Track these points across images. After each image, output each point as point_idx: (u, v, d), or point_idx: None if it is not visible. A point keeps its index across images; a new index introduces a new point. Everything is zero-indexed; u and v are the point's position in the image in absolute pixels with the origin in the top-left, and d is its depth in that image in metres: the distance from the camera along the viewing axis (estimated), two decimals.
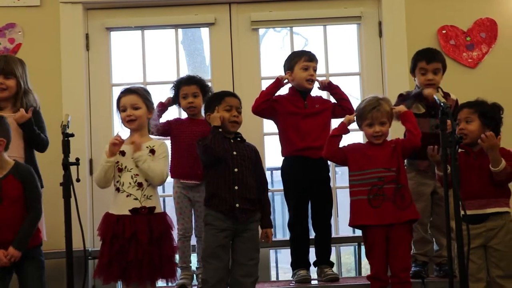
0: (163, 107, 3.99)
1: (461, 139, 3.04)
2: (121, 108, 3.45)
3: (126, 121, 3.43)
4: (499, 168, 3.32)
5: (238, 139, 3.55)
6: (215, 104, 3.52)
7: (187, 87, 3.95)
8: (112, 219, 3.31)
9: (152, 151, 3.38)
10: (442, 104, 3.07)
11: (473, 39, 4.49)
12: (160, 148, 3.41)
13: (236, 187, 3.41)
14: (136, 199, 3.32)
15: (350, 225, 3.58)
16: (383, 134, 3.52)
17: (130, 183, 3.33)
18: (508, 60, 4.47)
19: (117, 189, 3.35)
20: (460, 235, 2.93)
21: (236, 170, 3.43)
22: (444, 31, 4.50)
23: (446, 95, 3.85)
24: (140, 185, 3.33)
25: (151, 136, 3.54)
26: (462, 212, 2.93)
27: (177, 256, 3.64)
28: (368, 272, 3.55)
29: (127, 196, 3.32)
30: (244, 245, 3.44)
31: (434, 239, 3.88)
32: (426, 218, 3.83)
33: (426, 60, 3.86)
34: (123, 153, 3.36)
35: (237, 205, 3.39)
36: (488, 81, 4.41)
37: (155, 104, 3.65)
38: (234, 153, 3.46)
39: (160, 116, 3.94)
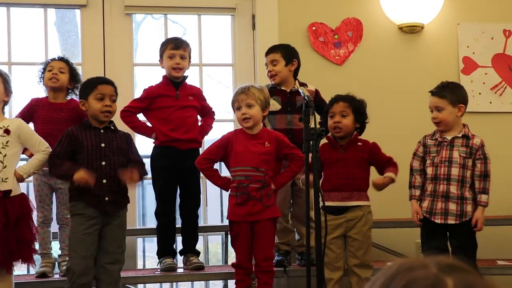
0: None
1: (323, 132, 3.10)
2: None
3: None
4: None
5: (112, 127, 3.44)
6: (88, 91, 3.40)
7: (56, 62, 3.84)
8: None
9: (7, 131, 3.24)
10: (306, 97, 3.15)
11: (341, 37, 4.61)
12: (20, 128, 3.30)
13: (104, 181, 3.33)
14: None
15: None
16: (252, 117, 3.46)
17: None
18: (371, 58, 4.63)
19: None
20: (318, 226, 3.02)
21: (103, 163, 3.33)
22: (314, 28, 4.58)
23: (303, 85, 3.94)
24: None
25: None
26: (321, 204, 2.99)
27: (37, 244, 3.53)
28: (234, 260, 3.61)
29: None
30: (113, 232, 3.38)
31: (295, 229, 3.98)
32: (287, 209, 3.92)
33: (267, 52, 3.98)
34: None
35: (106, 198, 3.32)
36: (354, 78, 4.55)
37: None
38: (103, 145, 3.36)
39: None
